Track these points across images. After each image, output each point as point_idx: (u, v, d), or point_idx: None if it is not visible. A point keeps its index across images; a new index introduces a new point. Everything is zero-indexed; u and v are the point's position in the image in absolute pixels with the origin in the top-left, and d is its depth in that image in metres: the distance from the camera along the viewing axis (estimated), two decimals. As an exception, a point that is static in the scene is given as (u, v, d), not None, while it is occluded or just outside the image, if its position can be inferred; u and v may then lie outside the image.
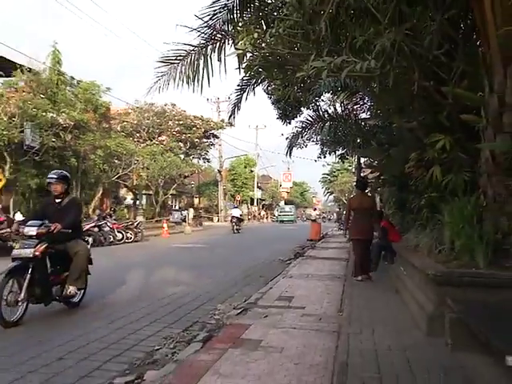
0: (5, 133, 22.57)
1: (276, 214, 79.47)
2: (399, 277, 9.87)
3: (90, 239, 10.24)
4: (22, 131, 23.51)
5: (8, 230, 18.47)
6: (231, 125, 41.79)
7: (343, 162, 39.78)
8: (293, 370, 5.20)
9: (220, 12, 10.01)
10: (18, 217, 21.39)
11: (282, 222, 73.11)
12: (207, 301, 9.87)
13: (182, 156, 47.28)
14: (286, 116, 18.53)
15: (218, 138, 54.64)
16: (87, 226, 22.36)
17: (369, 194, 13.52)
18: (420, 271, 7.06)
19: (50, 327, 7.54)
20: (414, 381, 4.74)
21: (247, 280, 13.02)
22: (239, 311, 8.26)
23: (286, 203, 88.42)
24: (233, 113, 13.59)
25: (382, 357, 5.47)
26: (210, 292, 10.92)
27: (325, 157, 22.83)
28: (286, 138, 20.41)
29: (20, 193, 25.33)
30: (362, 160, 25.56)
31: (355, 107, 18.67)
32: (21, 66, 25.57)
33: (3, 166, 23.70)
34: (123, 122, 42.92)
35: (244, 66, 10.25)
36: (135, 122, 44.91)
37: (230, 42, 10.12)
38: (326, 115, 18.05)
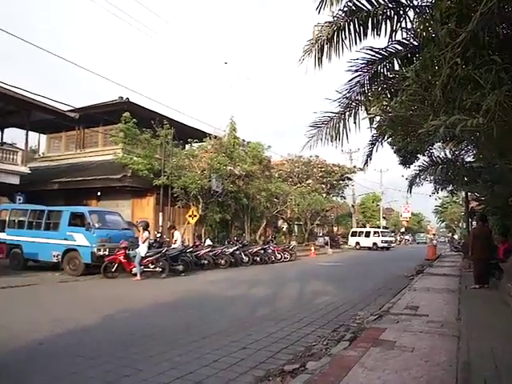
0: (199, 182, 23.77)
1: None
2: (507, 291, 9.12)
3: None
4: (210, 180, 24.60)
5: (202, 251, 19.39)
6: (361, 170, 40.81)
7: (452, 196, 37.79)
8: (423, 366, 4.95)
9: (354, 86, 9.98)
10: (208, 242, 22.34)
11: (418, 243, 78.58)
12: (349, 308, 9.69)
13: (324, 195, 47.18)
14: (405, 162, 18.04)
15: (351, 180, 53.78)
16: (255, 249, 22.85)
17: (485, 225, 12.77)
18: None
19: (233, 325, 7.71)
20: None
21: (379, 292, 12.62)
22: (376, 317, 8.02)
23: (406, 230, 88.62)
24: (366, 162, 13.33)
25: (498, 358, 5.06)
26: (351, 301, 10.70)
27: (438, 193, 22.12)
28: (406, 179, 20.05)
29: (208, 225, 26.43)
30: (469, 194, 24.49)
31: (461, 152, 17.83)
32: (209, 134, 27.20)
33: (197, 205, 24.91)
34: (280, 170, 43.61)
35: (375, 126, 10.16)
36: (288, 170, 45.59)
37: (363, 108, 10.04)
38: (438, 160, 17.41)
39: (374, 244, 46.50)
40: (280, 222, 43.71)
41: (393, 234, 55.85)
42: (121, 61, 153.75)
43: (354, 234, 49.66)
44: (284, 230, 44.42)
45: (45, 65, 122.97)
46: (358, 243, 47.76)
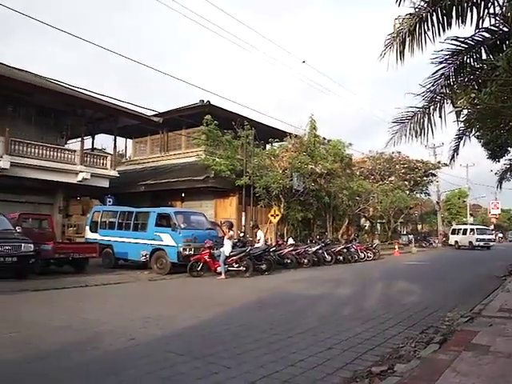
0: (280, 181, 23.95)
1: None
2: None
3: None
4: (291, 179, 24.65)
5: (285, 250, 19.45)
6: (447, 165, 38.75)
7: (548, 191, 35.38)
8: (522, 374, 4.61)
9: (439, 79, 9.60)
10: (290, 241, 22.36)
11: (510, 241, 76.76)
12: (437, 309, 9.29)
13: (407, 192, 45.79)
14: (495, 156, 17.14)
15: (435, 176, 51.71)
16: (338, 248, 22.59)
17: None
18: None
19: (318, 324, 7.66)
20: None
21: (468, 292, 12.04)
22: (466, 319, 7.61)
23: (495, 227, 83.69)
24: (452, 157, 12.83)
25: None
26: (438, 301, 10.28)
27: (533, 188, 20.80)
28: (495, 174, 19.10)
29: (290, 223, 26.49)
30: None
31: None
32: (289, 133, 27.19)
33: (279, 204, 25.05)
34: (361, 168, 42.91)
35: (462, 119, 9.70)
36: (370, 167, 44.76)
37: (448, 101, 9.62)
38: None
39: (470, 243, 43.38)
40: (362, 221, 43.00)
41: (493, 232, 52.42)
42: (200, 64, 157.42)
43: (453, 232, 47.67)
44: (366, 228, 43.66)
45: (116, 67, 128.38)
46: (456, 242, 45.70)
